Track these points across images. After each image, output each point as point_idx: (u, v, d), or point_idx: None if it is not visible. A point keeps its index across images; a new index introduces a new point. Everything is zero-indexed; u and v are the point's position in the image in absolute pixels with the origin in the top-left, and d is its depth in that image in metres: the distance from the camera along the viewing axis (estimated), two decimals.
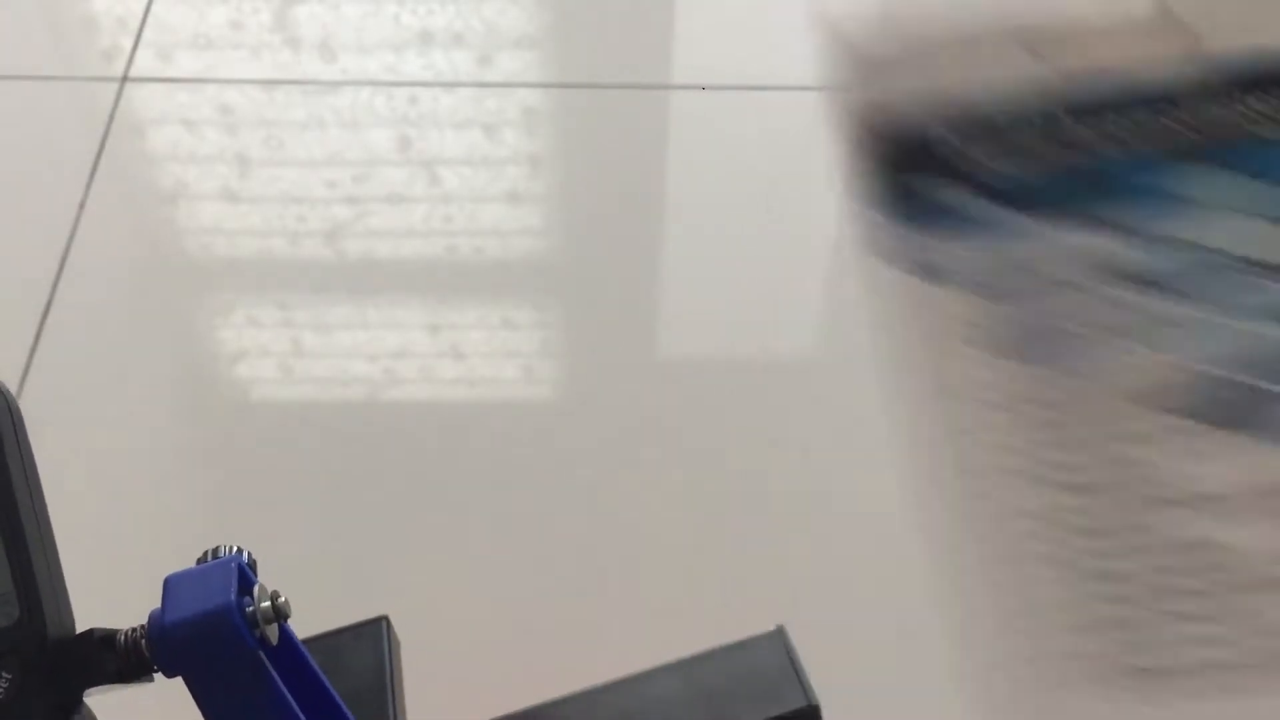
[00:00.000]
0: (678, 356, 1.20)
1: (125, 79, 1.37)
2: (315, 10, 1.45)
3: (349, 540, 1.01)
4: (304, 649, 0.34)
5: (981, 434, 0.34)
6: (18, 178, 1.30)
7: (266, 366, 1.16)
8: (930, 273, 0.35)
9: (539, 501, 1.05)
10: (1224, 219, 0.29)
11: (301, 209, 1.27)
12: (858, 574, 0.99)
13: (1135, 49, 0.32)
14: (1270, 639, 0.29)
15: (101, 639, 0.33)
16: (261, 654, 0.31)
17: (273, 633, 0.32)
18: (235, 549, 0.36)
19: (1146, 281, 0.32)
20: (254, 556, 0.35)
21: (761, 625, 0.51)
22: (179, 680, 0.33)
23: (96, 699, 0.33)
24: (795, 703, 0.40)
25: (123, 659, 0.32)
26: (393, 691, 0.42)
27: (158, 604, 0.39)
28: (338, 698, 0.34)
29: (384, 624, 0.44)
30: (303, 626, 0.42)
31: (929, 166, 0.33)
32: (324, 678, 0.34)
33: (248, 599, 0.32)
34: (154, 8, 1.44)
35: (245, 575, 0.32)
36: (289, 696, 0.31)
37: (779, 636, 0.42)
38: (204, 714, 0.32)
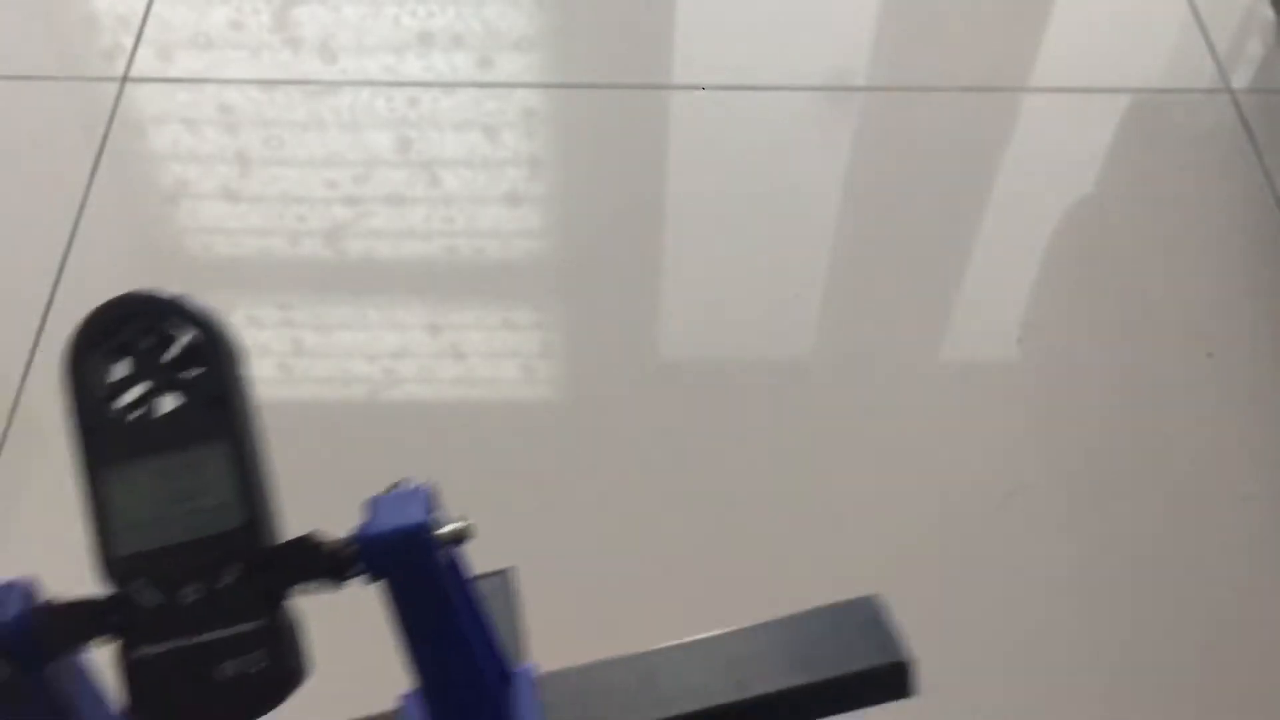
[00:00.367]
0: (678, 356, 1.20)
1: (126, 78, 1.37)
2: (315, 11, 1.45)
3: None
4: (469, 572, 0.40)
5: None
6: (19, 177, 1.30)
7: (267, 366, 1.17)
8: None
9: (538, 500, 1.05)
10: None
11: (302, 209, 1.27)
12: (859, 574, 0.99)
13: None
14: None
15: (314, 544, 0.37)
16: (447, 566, 0.37)
17: (454, 553, 0.38)
18: (422, 481, 0.41)
19: None
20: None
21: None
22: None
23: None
24: (889, 658, 0.43)
25: (331, 562, 0.36)
26: (519, 632, 0.47)
27: None
28: (489, 620, 0.40)
29: (511, 572, 0.50)
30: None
31: None
32: (481, 602, 0.40)
33: (436, 519, 0.37)
34: (155, 7, 1.44)
35: (432, 502, 0.38)
36: (468, 601, 0.38)
37: (874, 601, 0.45)
38: (396, 614, 0.37)
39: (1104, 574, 1.04)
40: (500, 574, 0.50)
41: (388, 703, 0.42)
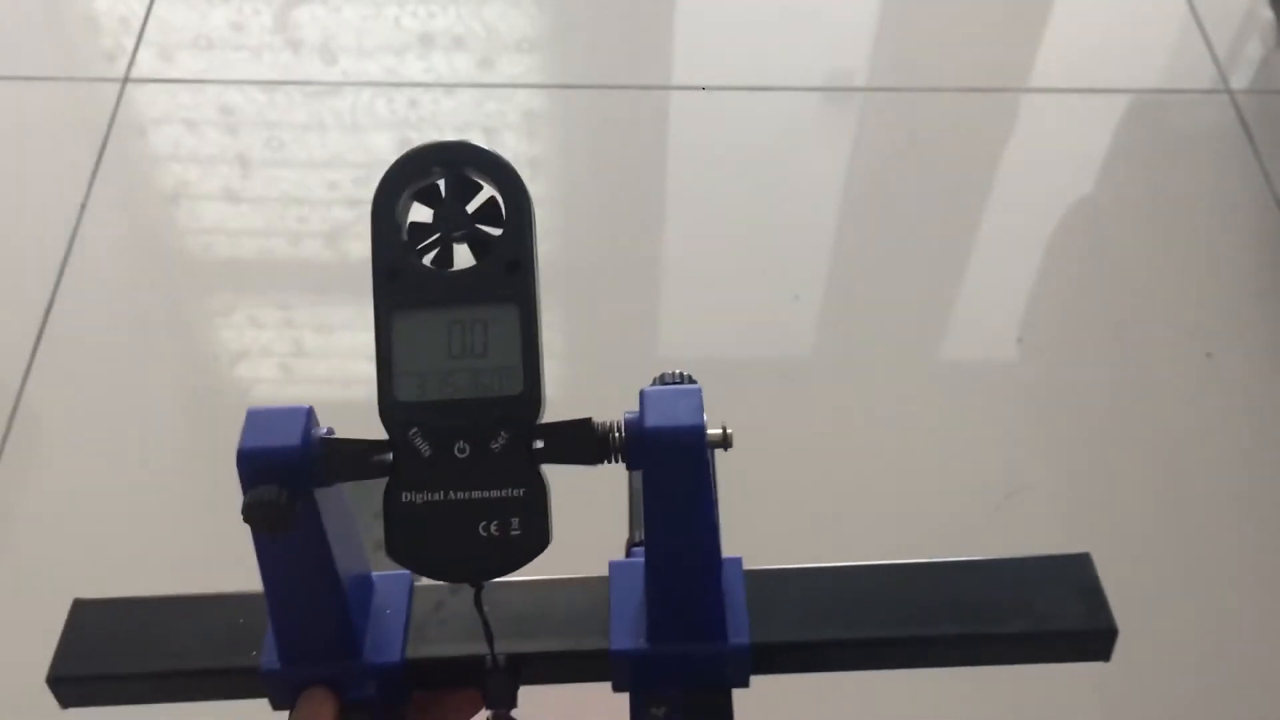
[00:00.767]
0: (678, 356, 1.20)
1: (127, 79, 1.37)
2: (316, 12, 1.45)
3: None
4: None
5: None
6: (19, 177, 1.30)
7: (267, 366, 1.17)
8: None
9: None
10: None
11: (302, 210, 1.27)
12: None
13: None
14: None
15: (589, 428, 0.38)
16: (705, 464, 0.38)
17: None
18: (689, 376, 0.44)
19: None
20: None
21: None
22: None
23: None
24: (1099, 624, 0.44)
25: (599, 446, 0.38)
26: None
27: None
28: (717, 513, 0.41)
29: None
30: None
31: None
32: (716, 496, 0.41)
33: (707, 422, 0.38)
34: (156, 9, 1.44)
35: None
36: (711, 496, 0.39)
37: (1086, 560, 0.45)
38: (646, 498, 0.39)
39: (1102, 575, 1.04)
40: None
41: (597, 568, 0.45)
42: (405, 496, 0.36)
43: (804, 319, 1.22)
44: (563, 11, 1.51)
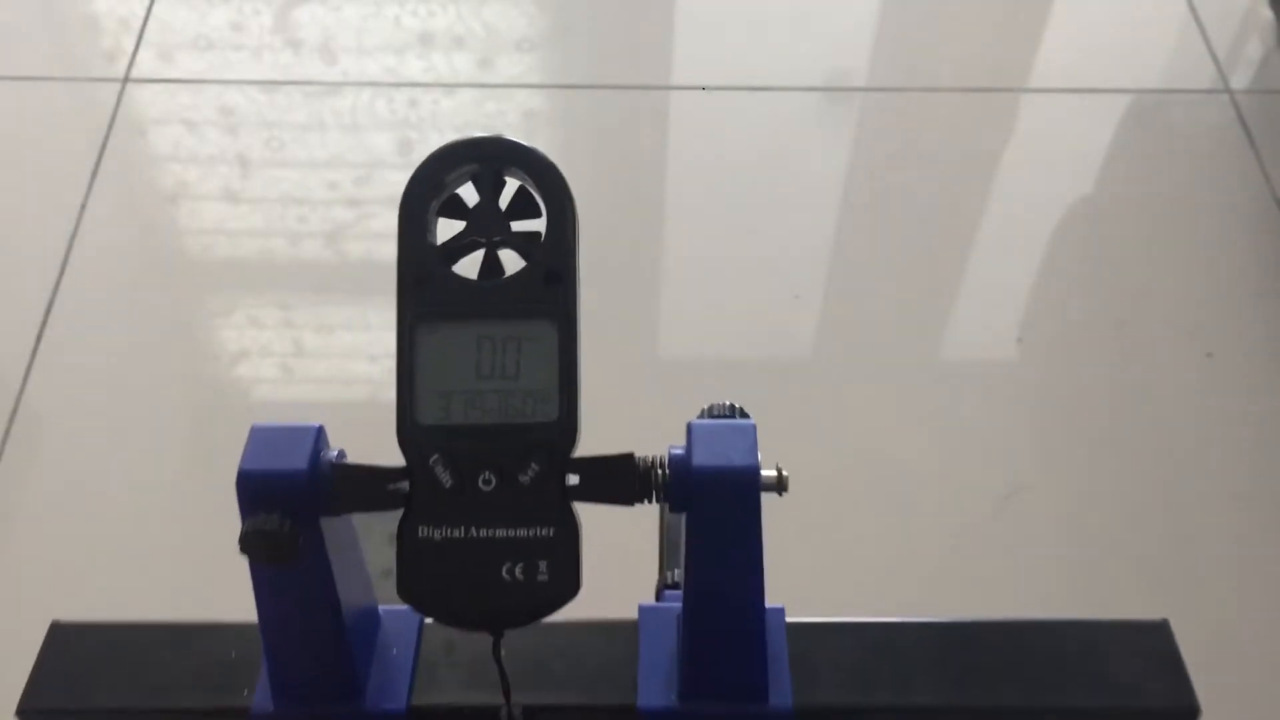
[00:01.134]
0: (678, 355, 1.20)
1: (127, 80, 1.37)
2: (316, 12, 1.45)
3: None
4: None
5: None
6: (20, 178, 1.30)
7: (268, 366, 1.17)
8: None
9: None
10: None
11: (303, 210, 1.27)
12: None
13: None
14: None
15: (630, 464, 0.35)
16: (756, 508, 0.34)
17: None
18: (740, 409, 0.40)
19: None
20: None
21: None
22: None
23: None
24: (1180, 700, 0.39)
25: (640, 485, 0.34)
26: None
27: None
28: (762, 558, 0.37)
29: None
30: None
31: None
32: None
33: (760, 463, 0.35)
34: (156, 9, 1.44)
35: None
36: (759, 541, 0.35)
37: (1165, 628, 0.41)
38: (689, 550, 0.35)
39: (1102, 574, 1.04)
40: None
41: (625, 609, 0.41)
42: (422, 531, 0.33)
43: (804, 319, 1.22)
44: (562, 11, 1.51)
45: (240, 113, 1.35)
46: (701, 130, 1.37)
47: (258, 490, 0.34)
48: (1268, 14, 1.47)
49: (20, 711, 0.40)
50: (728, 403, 0.42)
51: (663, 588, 0.45)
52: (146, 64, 1.39)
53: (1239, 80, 1.41)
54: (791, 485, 0.37)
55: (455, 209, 0.33)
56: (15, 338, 1.15)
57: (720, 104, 1.37)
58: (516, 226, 0.33)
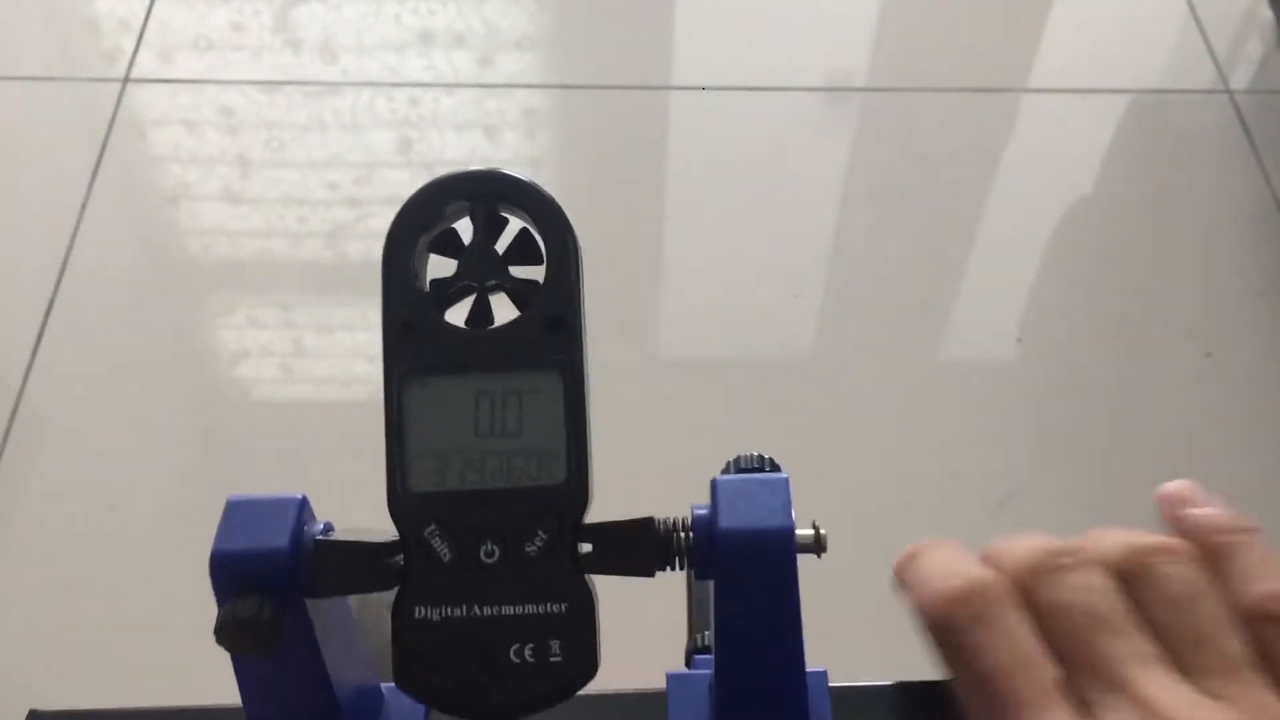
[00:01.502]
0: (678, 356, 1.20)
1: (127, 80, 1.37)
2: (316, 11, 1.45)
3: None
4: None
5: None
6: (19, 178, 1.30)
7: (268, 366, 1.17)
8: None
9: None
10: None
11: (303, 210, 1.27)
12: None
13: None
14: None
15: (649, 529, 0.31)
16: (791, 571, 0.31)
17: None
18: (770, 460, 0.37)
19: None
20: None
21: None
22: None
23: None
24: None
25: (661, 552, 0.31)
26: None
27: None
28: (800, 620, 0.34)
29: None
30: None
31: None
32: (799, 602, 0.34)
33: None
34: (155, 9, 1.44)
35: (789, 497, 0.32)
36: (796, 605, 0.32)
37: None
38: (719, 618, 0.32)
39: None
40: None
41: (651, 678, 0.38)
42: (419, 612, 0.30)
43: (804, 318, 1.22)
44: (562, 10, 1.51)
45: (240, 113, 1.35)
46: (701, 130, 1.37)
47: (233, 574, 0.30)
48: (1267, 14, 1.47)
49: None
50: (756, 453, 0.38)
51: (692, 652, 0.40)
52: (146, 64, 1.39)
53: (1239, 80, 1.41)
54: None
55: (449, 245, 0.30)
56: (15, 338, 1.15)
57: (720, 104, 1.38)
58: (516, 270, 0.30)
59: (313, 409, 1.13)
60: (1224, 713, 0.26)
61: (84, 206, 1.26)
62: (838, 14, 1.48)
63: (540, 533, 0.29)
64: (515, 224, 0.30)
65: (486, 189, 0.30)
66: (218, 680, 0.35)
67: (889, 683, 0.36)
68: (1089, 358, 1.18)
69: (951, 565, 0.31)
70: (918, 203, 1.30)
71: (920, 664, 0.36)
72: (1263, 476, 1.10)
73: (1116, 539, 0.30)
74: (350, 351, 1.18)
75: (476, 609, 0.30)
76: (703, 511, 0.31)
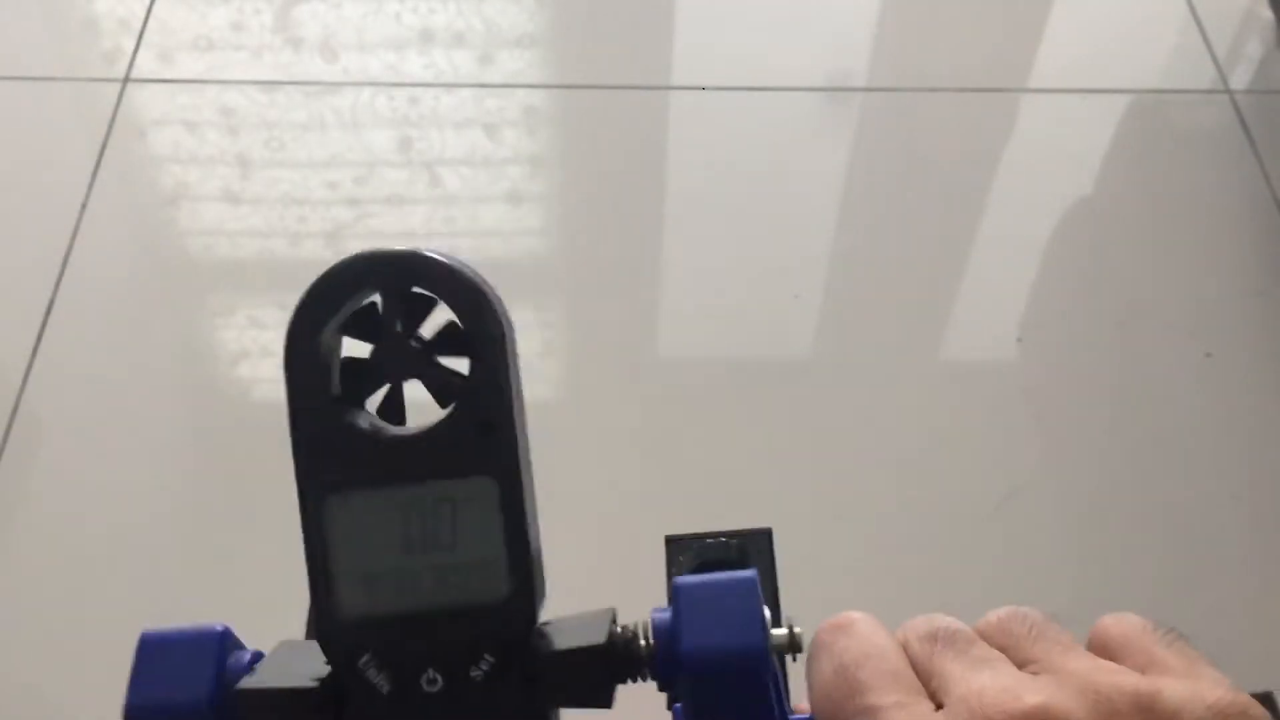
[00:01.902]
0: (678, 356, 1.20)
1: (127, 80, 1.37)
2: (316, 10, 1.45)
3: None
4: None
5: None
6: (19, 178, 1.30)
7: (267, 367, 1.17)
8: None
9: (537, 500, 1.05)
10: None
11: (303, 210, 1.27)
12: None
13: None
14: None
15: (602, 649, 0.27)
16: (770, 680, 0.28)
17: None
18: (738, 546, 0.32)
19: None
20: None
21: None
22: None
23: None
24: None
25: (618, 670, 0.28)
26: (776, 596, 0.38)
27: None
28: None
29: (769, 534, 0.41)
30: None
31: None
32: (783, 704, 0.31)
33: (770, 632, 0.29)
34: (155, 9, 1.44)
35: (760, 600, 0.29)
36: (777, 711, 0.29)
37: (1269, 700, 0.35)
38: None
39: (1102, 574, 1.04)
40: (764, 533, 0.41)
41: None
42: None
43: (804, 319, 1.22)
44: (563, 9, 1.51)
45: (240, 113, 1.35)
46: (701, 130, 1.37)
47: None
48: (1268, 14, 1.47)
49: None
50: (722, 538, 0.34)
51: (675, 700, 0.35)
52: (146, 64, 1.39)
53: (1239, 80, 1.41)
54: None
55: (365, 326, 0.27)
56: (15, 338, 1.15)
57: (720, 104, 1.38)
58: (440, 366, 0.27)
59: None
60: (1043, 682, 0.27)
61: (84, 206, 1.26)
62: (838, 14, 1.48)
63: (486, 655, 0.27)
64: (450, 323, 0.27)
65: (402, 276, 0.26)
66: None
67: None
68: (1089, 358, 1.18)
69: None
70: (918, 203, 1.30)
71: None
72: (1263, 476, 1.10)
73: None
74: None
75: None
76: (662, 617, 0.28)
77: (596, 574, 1.02)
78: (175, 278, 1.25)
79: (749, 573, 0.29)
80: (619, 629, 0.28)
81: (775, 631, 0.28)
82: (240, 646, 0.28)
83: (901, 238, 1.28)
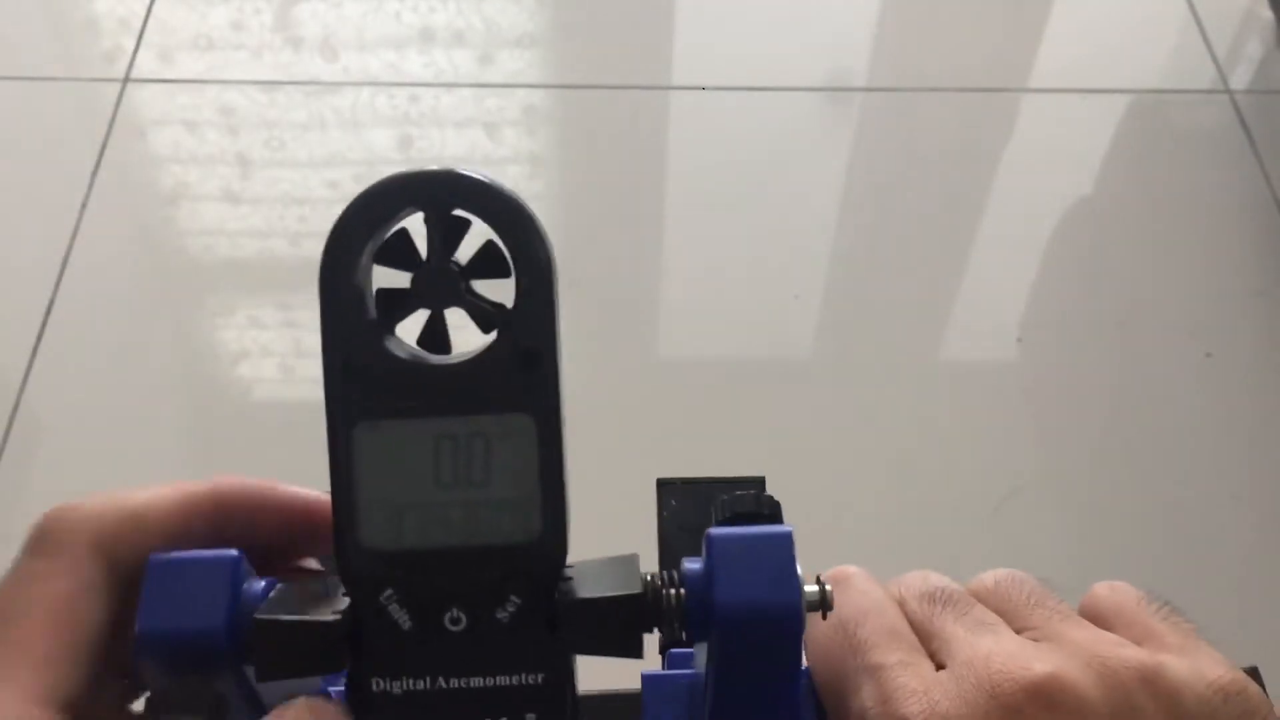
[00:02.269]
0: (678, 356, 1.20)
1: (127, 80, 1.37)
2: (317, 9, 1.45)
3: None
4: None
5: None
6: (20, 178, 1.30)
7: (267, 366, 1.17)
8: None
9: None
10: None
11: (303, 210, 1.27)
12: None
13: None
14: None
15: (633, 597, 0.26)
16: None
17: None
18: (770, 500, 0.31)
19: None
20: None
21: None
22: None
23: None
24: None
25: (644, 623, 0.26)
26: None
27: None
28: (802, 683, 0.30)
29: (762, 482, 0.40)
30: None
31: None
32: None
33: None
34: (155, 9, 1.44)
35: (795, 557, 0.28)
36: (797, 671, 0.29)
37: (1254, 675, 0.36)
38: (713, 688, 0.28)
39: (1102, 575, 1.04)
40: (758, 481, 0.40)
41: (627, 679, 0.34)
42: (377, 685, 0.26)
43: (804, 319, 1.22)
44: (562, 8, 1.51)
45: (240, 112, 1.35)
46: (701, 130, 1.37)
47: (165, 653, 0.26)
48: (1268, 14, 1.47)
49: None
50: (752, 491, 0.33)
51: (668, 645, 0.36)
52: (146, 64, 1.39)
53: (1239, 80, 1.41)
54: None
55: (400, 255, 0.26)
56: (15, 338, 1.15)
57: (720, 104, 1.38)
58: (481, 285, 0.26)
59: (313, 409, 1.13)
60: (1048, 650, 0.28)
61: (84, 206, 1.26)
62: (838, 14, 1.48)
63: (512, 597, 0.26)
64: (480, 225, 0.26)
65: (441, 194, 0.25)
66: None
67: None
68: (1089, 358, 1.18)
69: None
70: (918, 203, 1.30)
71: None
72: (1263, 477, 1.10)
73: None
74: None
75: (442, 681, 0.26)
76: (694, 569, 0.27)
77: None
78: (175, 277, 1.25)
79: (785, 527, 0.28)
80: (648, 578, 0.27)
81: (807, 588, 0.28)
82: (252, 574, 0.27)
83: (901, 238, 1.28)
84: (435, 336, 0.26)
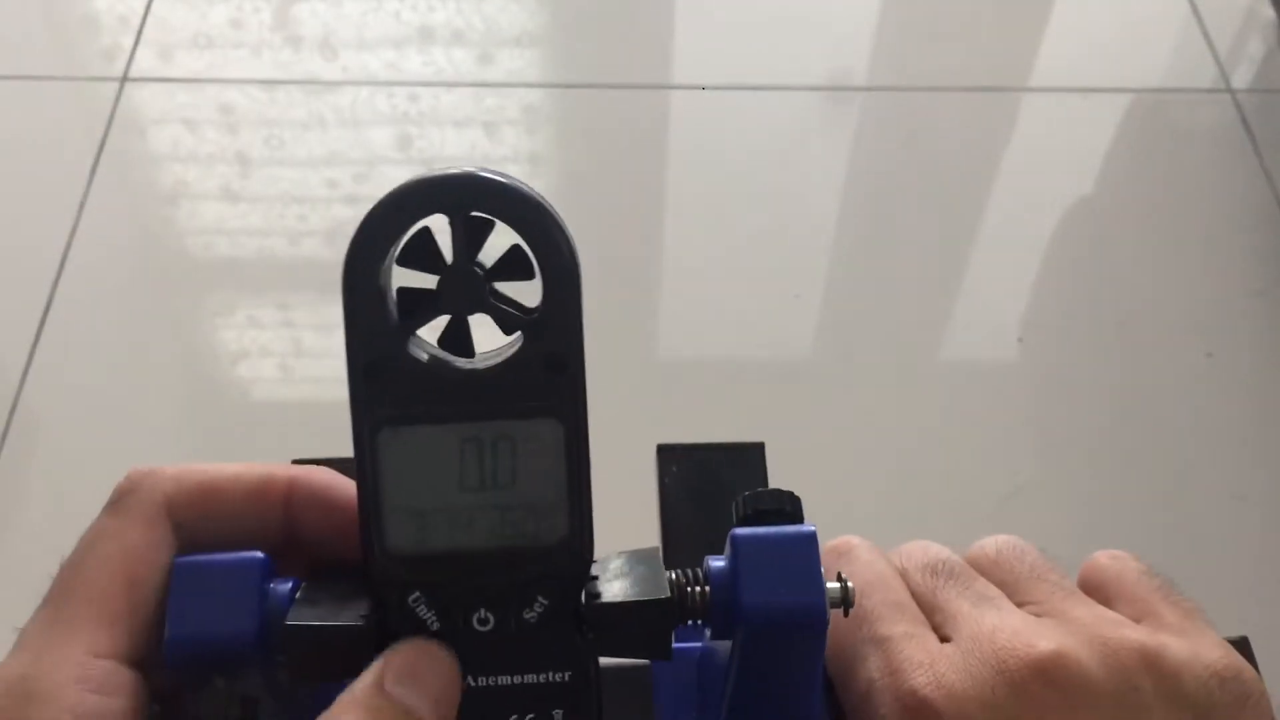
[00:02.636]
0: (678, 356, 1.20)
1: (126, 78, 1.37)
2: (316, 7, 1.45)
3: None
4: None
5: None
6: (18, 177, 1.30)
7: (267, 366, 1.17)
8: None
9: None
10: None
11: (302, 208, 1.27)
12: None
13: None
14: None
15: (654, 605, 0.27)
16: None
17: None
18: (791, 497, 0.31)
19: None
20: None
21: None
22: None
23: None
24: None
25: (672, 621, 0.27)
26: None
27: None
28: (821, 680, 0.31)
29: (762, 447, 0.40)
30: None
31: None
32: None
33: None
34: (154, 7, 1.44)
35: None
36: (818, 668, 0.29)
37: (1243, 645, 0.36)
38: (734, 683, 0.28)
39: None
40: (757, 446, 0.40)
41: None
42: None
43: (804, 319, 1.22)
44: (562, 7, 1.51)
45: (240, 111, 1.35)
46: (701, 130, 1.36)
47: (194, 660, 0.26)
48: (1269, 13, 1.47)
49: None
50: (774, 487, 0.33)
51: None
52: (145, 63, 1.39)
53: (1240, 79, 1.41)
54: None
55: (424, 256, 0.26)
56: (13, 337, 1.15)
57: (720, 103, 1.37)
58: (504, 289, 0.25)
59: (313, 409, 1.13)
60: (1051, 627, 0.29)
61: (82, 205, 1.25)
62: (838, 13, 1.48)
63: (540, 598, 0.26)
64: (502, 227, 0.25)
65: (465, 198, 0.25)
66: None
67: None
68: (1089, 358, 1.18)
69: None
70: (918, 202, 1.30)
71: None
72: (1263, 477, 1.10)
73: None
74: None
75: (470, 680, 0.27)
76: (719, 567, 0.28)
77: None
78: (174, 277, 1.25)
79: (808, 527, 0.29)
80: (672, 577, 0.27)
81: (828, 585, 0.28)
82: (276, 574, 0.27)
83: (901, 237, 1.27)
84: (458, 340, 0.26)
